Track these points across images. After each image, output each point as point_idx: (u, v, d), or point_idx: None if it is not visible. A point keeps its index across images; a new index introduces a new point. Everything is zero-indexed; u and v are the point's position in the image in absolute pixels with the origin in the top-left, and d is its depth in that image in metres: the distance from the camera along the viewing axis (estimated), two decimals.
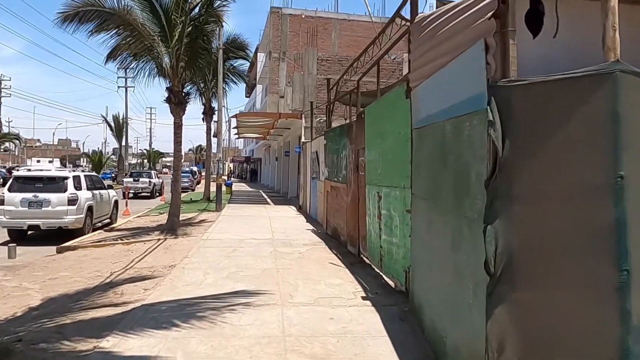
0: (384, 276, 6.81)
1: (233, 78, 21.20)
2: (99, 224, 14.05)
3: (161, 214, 16.97)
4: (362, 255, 8.34)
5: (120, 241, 10.71)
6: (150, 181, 28.36)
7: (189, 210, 17.70)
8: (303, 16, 33.02)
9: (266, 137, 32.57)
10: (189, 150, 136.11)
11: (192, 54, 12.00)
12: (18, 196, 11.39)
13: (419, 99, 4.98)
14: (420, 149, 4.90)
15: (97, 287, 6.67)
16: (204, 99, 20.83)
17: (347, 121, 11.07)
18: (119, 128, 44.17)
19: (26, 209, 11.40)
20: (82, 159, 79.26)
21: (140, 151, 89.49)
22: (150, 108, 77.60)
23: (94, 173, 15.56)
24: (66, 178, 11.91)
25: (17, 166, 61.55)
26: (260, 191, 32.12)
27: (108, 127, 44.24)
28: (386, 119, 6.47)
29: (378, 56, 8.79)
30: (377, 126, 7.02)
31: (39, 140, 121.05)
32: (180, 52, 11.50)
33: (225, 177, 56.73)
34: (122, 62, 11.94)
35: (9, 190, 11.57)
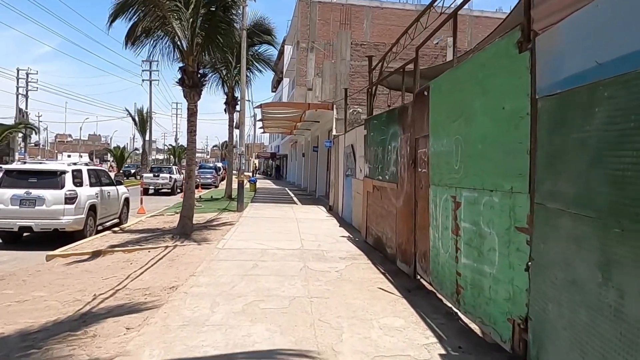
0: (462, 315, 4.83)
1: (258, 65, 19.38)
2: (107, 224, 12.46)
3: (177, 213, 15.32)
4: (420, 278, 6.36)
5: (121, 248, 9.01)
6: (170, 177, 26.92)
7: (208, 210, 16.01)
8: (333, 1, 30.98)
9: (293, 132, 30.79)
10: (214, 146, 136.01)
11: (210, 29, 10.19)
12: (8, 193, 9.83)
13: (559, 46, 2.98)
14: (562, 129, 2.90)
15: (67, 322, 4.90)
16: (226, 87, 19.11)
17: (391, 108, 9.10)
18: (142, 122, 43.16)
19: (17, 207, 9.83)
20: (109, 154, 79.25)
21: (166, 147, 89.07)
22: (176, 103, 76.77)
23: (101, 167, 13.94)
24: (64, 172, 10.29)
25: (43, 160, 61.58)
26: (286, 189, 30.36)
27: (132, 122, 43.25)
28: (473, 90, 4.47)
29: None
30: (453, 104, 5.02)
31: (70, 135, 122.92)
32: (196, 25, 9.73)
33: (250, 174, 55.42)
34: (139, 44, 10.21)
35: None
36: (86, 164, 12.25)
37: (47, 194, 9.93)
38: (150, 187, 26.66)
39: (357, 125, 11.92)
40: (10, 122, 51.59)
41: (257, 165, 66.19)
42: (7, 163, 46.19)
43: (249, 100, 23.06)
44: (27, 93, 51.59)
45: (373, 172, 9.00)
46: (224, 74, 18.73)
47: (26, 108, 51.81)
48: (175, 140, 78.37)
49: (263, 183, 41.28)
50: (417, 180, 6.37)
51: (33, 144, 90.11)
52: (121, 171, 47.29)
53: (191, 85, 10.02)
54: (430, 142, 5.73)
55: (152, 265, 7.49)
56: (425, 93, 5.95)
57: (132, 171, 39.87)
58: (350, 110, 17.48)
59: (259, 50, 19.10)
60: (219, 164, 67.70)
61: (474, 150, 4.43)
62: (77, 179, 10.64)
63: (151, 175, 26.86)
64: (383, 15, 33.69)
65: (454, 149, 4.90)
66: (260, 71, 19.55)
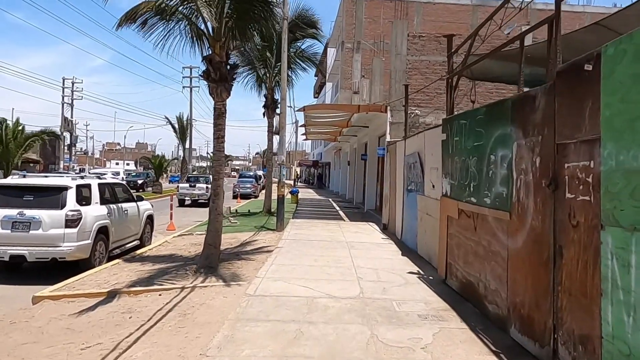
0: None
1: (301, 63, 17.23)
2: (127, 246, 10.55)
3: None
4: None
5: (126, 288, 6.95)
6: (207, 187, 25.15)
7: (244, 228, 13.93)
8: None
9: (337, 139, 28.53)
10: (257, 153, 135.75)
11: (242, 8, 8.08)
12: None
13: None
14: None
15: None
16: (265, 89, 17.06)
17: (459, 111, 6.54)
18: (182, 130, 42.17)
19: (8, 231, 8.00)
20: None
21: (209, 154, 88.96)
22: None
23: (118, 180, 12.13)
24: (66, 189, 8.41)
25: (87, 168, 62.42)
26: (330, 200, 28.08)
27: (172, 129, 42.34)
28: None
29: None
30: None
31: (118, 144, 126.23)
32: (224, 2, 7.65)
33: (292, 182, 53.55)
34: (143, 24, 8.19)
35: None
36: (98, 176, 10.37)
37: (45, 215, 8.06)
38: (187, 198, 25.08)
39: (427, 128, 9.48)
40: (56, 130, 52.19)
41: (298, 173, 64.37)
42: (51, 171, 46.46)
43: (290, 107, 20.93)
44: (72, 102, 52.05)
45: (459, 191, 6.55)
46: (262, 73, 16.70)
47: (71, 116, 52.30)
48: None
49: (305, 192, 39.22)
50: (560, 211, 3.91)
51: (82, 152, 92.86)
52: (124, 181, 45.49)
53: (218, 79, 7.92)
54: (604, 151, 3.27)
55: (154, 324, 5.34)
56: (589, 66, 3.49)
57: (140, 182, 35.27)
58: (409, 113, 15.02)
59: (302, 47, 16.99)
60: (260, 172, 66.44)
61: None
62: (83, 196, 8.76)
63: (187, 185, 25.27)
64: (435, 11, 31.00)
65: None
66: (305, 69, 17.42)
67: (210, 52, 8.03)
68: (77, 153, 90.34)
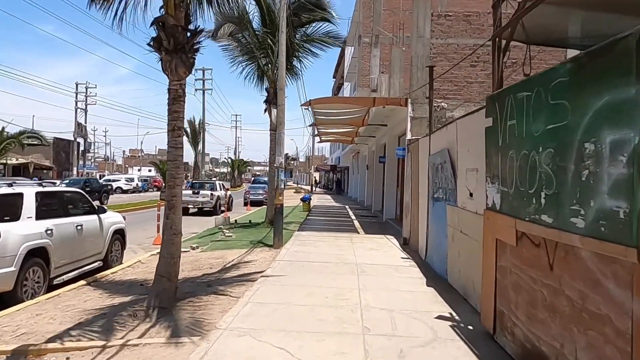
0: None
1: (310, 48, 14.95)
2: (85, 269, 8.48)
3: (195, 248, 11.22)
4: None
5: (35, 346, 4.81)
6: (212, 194, 23.24)
7: (237, 244, 11.75)
8: None
9: (354, 140, 26.24)
10: None
11: None
12: None
13: None
14: None
15: None
16: (267, 82, 14.88)
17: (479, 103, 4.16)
18: (194, 134, 40.49)
19: None
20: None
21: (225, 160, 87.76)
22: (236, 115, 74.67)
23: (74, 188, 10.07)
24: None
25: (105, 174, 61.26)
26: (347, 207, 25.75)
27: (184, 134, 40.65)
28: None
29: None
30: None
31: (141, 150, 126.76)
32: None
33: (308, 188, 51.34)
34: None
35: None
36: (39, 184, 8.34)
37: None
38: (190, 206, 23.12)
39: (461, 116, 7.10)
40: (69, 136, 51.37)
41: (317, 179, 62.18)
42: (65, 177, 45.40)
43: (307, 108, 18.72)
44: (86, 107, 51.13)
45: (518, 204, 4.19)
46: (264, 64, 14.55)
47: (85, 122, 51.40)
48: (235, 153, 76.66)
49: (321, 199, 37.01)
50: None
51: (102, 159, 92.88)
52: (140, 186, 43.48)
53: (172, 49, 5.77)
54: None
55: None
56: None
57: (112, 186, 33.65)
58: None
59: (308, 32, 14.73)
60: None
61: None
62: (7, 210, 6.72)
63: (190, 192, 23.29)
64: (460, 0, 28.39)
65: None
66: (315, 55, 15.12)
67: (162, 13, 5.89)
68: (98, 159, 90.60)
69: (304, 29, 14.65)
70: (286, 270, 8.11)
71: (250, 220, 16.80)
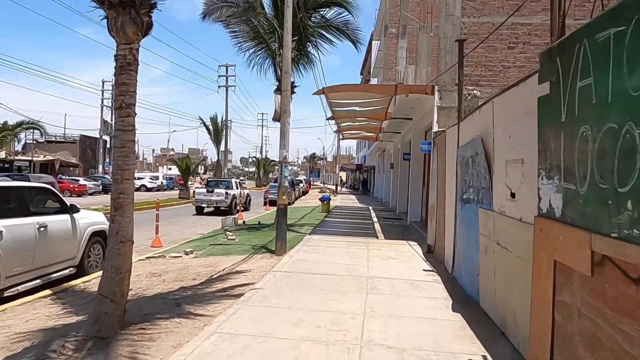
0: None
1: (325, 34, 13.49)
2: (53, 276, 7.29)
3: (188, 253, 9.93)
4: None
5: None
6: (227, 192, 22.05)
7: (237, 249, 10.41)
8: None
9: (378, 137, 24.62)
10: (305, 158, 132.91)
11: None
12: None
13: None
14: None
15: None
16: (279, 69, 13.49)
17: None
18: (217, 131, 39.59)
19: None
20: (201, 166, 78.50)
21: (252, 159, 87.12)
22: (262, 114, 73.77)
23: (40, 184, 8.89)
24: None
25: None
26: (370, 209, 24.15)
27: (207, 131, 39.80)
28: None
29: None
30: None
31: (173, 150, 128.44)
32: None
33: (334, 188, 49.84)
34: None
35: None
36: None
37: None
38: (204, 205, 22.04)
39: (501, 91, 5.47)
40: (90, 133, 51.54)
41: (342, 178, 60.57)
42: (91, 174, 45.43)
43: (322, 95, 17.20)
44: (112, 105, 51.10)
45: (597, 210, 2.63)
46: (274, 48, 13.17)
47: (111, 119, 51.37)
48: (261, 152, 75.96)
49: (345, 199, 35.48)
50: None
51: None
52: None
53: (118, 3, 4.43)
54: None
55: None
56: None
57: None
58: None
59: (327, 16, 13.27)
60: (302, 177, 63.19)
61: None
62: None
63: (204, 190, 22.20)
64: None
65: None
66: (332, 43, 13.66)
67: None
68: None
69: (322, 12, 13.19)
70: (279, 285, 6.69)
71: (259, 222, 15.47)
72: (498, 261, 5.03)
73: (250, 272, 7.88)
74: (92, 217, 8.69)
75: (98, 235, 8.66)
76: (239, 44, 13.33)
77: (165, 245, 11.78)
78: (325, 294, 6.23)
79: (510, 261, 4.54)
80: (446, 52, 11.49)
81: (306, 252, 9.68)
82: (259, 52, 13.50)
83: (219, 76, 42.67)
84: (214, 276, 7.56)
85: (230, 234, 12.00)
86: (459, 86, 8.14)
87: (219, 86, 42.40)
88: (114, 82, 4.62)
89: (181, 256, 9.65)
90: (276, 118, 10.09)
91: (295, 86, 13.41)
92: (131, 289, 6.89)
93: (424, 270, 8.22)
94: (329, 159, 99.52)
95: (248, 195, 25.77)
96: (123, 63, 4.55)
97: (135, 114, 4.66)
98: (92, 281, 7.73)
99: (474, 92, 11.52)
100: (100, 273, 8.22)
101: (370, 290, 6.51)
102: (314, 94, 11.49)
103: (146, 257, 9.64)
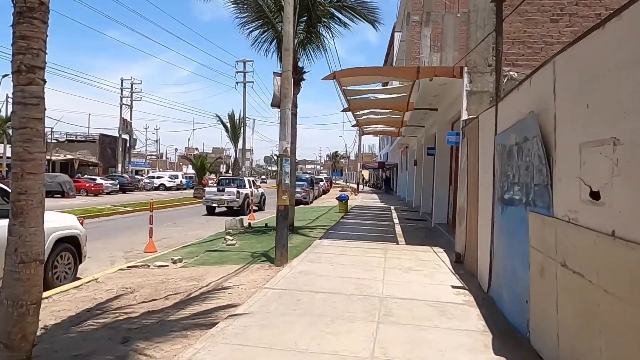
0: None
1: (337, 15, 11.99)
2: None
3: (176, 261, 8.60)
4: None
5: None
6: (239, 192, 20.80)
7: (234, 256, 9.05)
8: None
9: (400, 132, 22.97)
10: (327, 156, 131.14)
11: None
12: None
13: None
14: None
15: None
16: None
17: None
18: (234, 129, 38.53)
19: None
20: (221, 165, 77.88)
21: (273, 157, 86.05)
22: None
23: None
24: None
25: (151, 171, 61.07)
26: (392, 208, 22.56)
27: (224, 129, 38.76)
28: None
29: None
30: None
31: (196, 149, 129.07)
32: None
33: (354, 186, 48.19)
34: None
35: None
36: None
37: None
38: (214, 204, 20.86)
39: (570, 43, 3.90)
40: (114, 132, 51.21)
41: (364, 177, 58.80)
42: (110, 173, 45.05)
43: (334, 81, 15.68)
44: (131, 103, 50.75)
45: None
46: (280, 30, 11.76)
47: (130, 118, 51.02)
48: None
49: (366, 199, 33.89)
50: None
51: (155, 156, 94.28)
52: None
53: None
54: None
55: None
56: None
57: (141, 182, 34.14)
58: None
59: None
60: (323, 175, 61.68)
61: None
62: None
63: (214, 189, 21.01)
64: None
65: None
66: (346, 25, 12.17)
67: None
68: (151, 157, 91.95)
69: None
70: (268, 309, 5.26)
71: (266, 224, 14.09)
72: (564, 290, 3.49)
73: (239, 287, 6.49)
74: (59, 220, 7.48)
75: (67, 242, 7.46)
76: (243, 25, 11.99)
77: (160, 250, 10.55)
78: (324, 324, 4.77)
79: (590, 294, 3.00)
80: (477, 27, 9.86)
81: (311, 261, 8.24)
82: (265, 33, 12.11)
83: (237, 72, 41.62)
84: (193, 294, 6.19)
85: (231, 238, 10.66)
86: (496, 58, 6.57)
87: (237, 82, 41.34)
88: (12, 38, 3.26)
89: (167, 265, 8.34)
90: (275, 104, 8.66)
91: (305, 72, 11.98)
92: (86, 309, 5.61)
93: (453, 287, 6.67)
94: (352, 157, 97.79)
95: (262, 194, 24.47)
96: (23, 8, 3.20)
97: (44, 82, 3.32)
98: (52, 297, 6.48)
99: (511, 73, 9.89)
100: (64, 287, 7.02)
101: (383, 319, 5.02)
102: (323, 78, 10.03)
103: (127, 267, 8.37)
